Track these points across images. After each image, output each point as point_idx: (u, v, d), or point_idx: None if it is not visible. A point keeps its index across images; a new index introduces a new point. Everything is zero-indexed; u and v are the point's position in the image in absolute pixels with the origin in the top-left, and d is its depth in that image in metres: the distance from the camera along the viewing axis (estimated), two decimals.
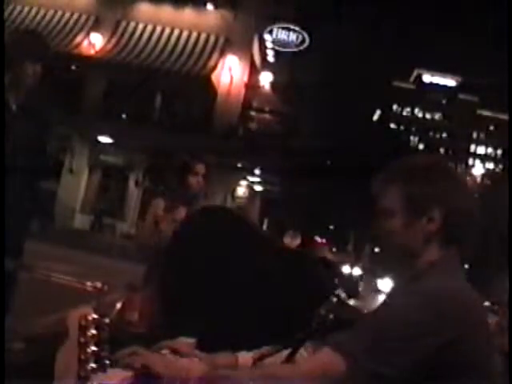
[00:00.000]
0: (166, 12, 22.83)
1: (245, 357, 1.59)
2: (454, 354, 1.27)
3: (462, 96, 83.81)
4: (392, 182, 1.46)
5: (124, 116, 22.31)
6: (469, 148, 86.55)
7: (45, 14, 22.67)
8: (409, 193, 1.43)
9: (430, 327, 1.27)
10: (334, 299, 1.59)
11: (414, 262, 1.43)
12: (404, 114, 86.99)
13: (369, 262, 39.93)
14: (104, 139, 21.75)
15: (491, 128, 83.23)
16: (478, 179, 61.07)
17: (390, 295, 1.48)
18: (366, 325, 1.34)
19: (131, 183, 22.56)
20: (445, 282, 1.34)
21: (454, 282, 1.37)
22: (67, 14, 22.85)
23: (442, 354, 1.26)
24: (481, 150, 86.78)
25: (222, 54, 22.11)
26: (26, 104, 2.92)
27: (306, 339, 1.50)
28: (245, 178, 24.12)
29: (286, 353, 1.53)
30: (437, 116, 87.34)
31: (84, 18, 22.85)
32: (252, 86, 23.25)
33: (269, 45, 24.42)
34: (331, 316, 1.51)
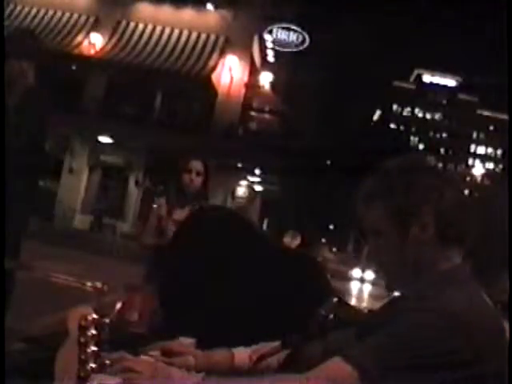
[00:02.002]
0: (166, 12, 22.85)
1: (241, 353, 1.58)
2: (478, 368, 1.21)
3: (462, 96, 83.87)
4: (372, 201, 1.38)
5: (124, 116, 22.33)
6: (469, 148, 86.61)
7: (45, 14, 22.69)
8: (392, 206, 1.35)
9: (449, 344, 1.20)
10: (335, 299, 1.58)
11: (421, 274, 1.35)
12: (404, 114, 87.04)
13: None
14: (104, 139, 21.76)
15: (491, 128, 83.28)
16: (478, 179, 61.08)
17: (403, 308, 1.35)
18: (380, 339, 1.25)
19: (131, 183, 22.57)
20: (460, 296, 1.27)
21: (468, 294, 1.29)
22: (67, 14, 22.87)
23: (464, 371, 1.21)
24: (481, 150, 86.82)
25: (222, 53, 22.12)
26: (23, 103, 2.91)
27: (306, 340, 1.49)
28: (245, 178, 24.13)
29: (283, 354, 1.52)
30: (437, 116, 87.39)
31: (84, 18, 22.87)
32: (252, 85, 23.25)
33: (269, 45, 24.43)
34: (331, 316, 1.50)
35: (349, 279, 34.61)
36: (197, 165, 3.96)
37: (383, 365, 1.20)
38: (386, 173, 1.41)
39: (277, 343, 1.54)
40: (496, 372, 1.23)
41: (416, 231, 1.33)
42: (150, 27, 22.66)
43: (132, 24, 22.76)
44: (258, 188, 25.69)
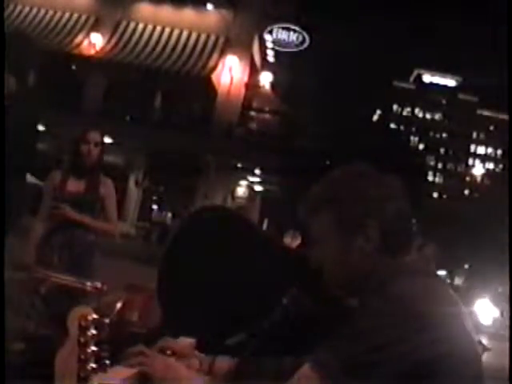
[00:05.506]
0: (166, 12, 22.85)
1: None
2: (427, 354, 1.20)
3: (462, 96, 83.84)
4: (318, 210, 1.39)
5: (124, 116, 22.32)
6: (469, 148, 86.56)
7: (45, 14, 22.69)
8: (338, 217, 1.36)
9: (396, 332, 1.20)
10: (295, 290, 1.59)
11: (364, 282, 1.35)
12: (404, 113, 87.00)
13: None
14: (104, 139, 21.74)
15: (491, 128, 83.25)
16: (478, 179, 61.05)
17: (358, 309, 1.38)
18: (341, 339, 1.25)
19: (131, 183, 22.56)
20: (406, 286, 1.26)
21: (414, 284, 1.28)
22: (67, 14, 22.87)
23: (416, 358, 1.20)
24: (481, 150, 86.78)
25: (222, 53, 22.12)
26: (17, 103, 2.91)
27: (269, 330, 1.50)
28: (245, 178, 24.12)
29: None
30: (437, 116, 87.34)
31: (84, 18, 22.87)
32: (252, 85, 23.25)
33: (269, 45, 24.43)
34: (293, 308, 1.52)
35: None
36: (95, 136, 3.99)
37: (344, 363, 1.20)
38: (333, 182, 1.43)
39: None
40: (448, 353, 1.20)
41: (361, 242, 1.34)
42: (150, 27, 22.65)
43: (132, 24, 22.76)
44: (258, 188, 25.67)
